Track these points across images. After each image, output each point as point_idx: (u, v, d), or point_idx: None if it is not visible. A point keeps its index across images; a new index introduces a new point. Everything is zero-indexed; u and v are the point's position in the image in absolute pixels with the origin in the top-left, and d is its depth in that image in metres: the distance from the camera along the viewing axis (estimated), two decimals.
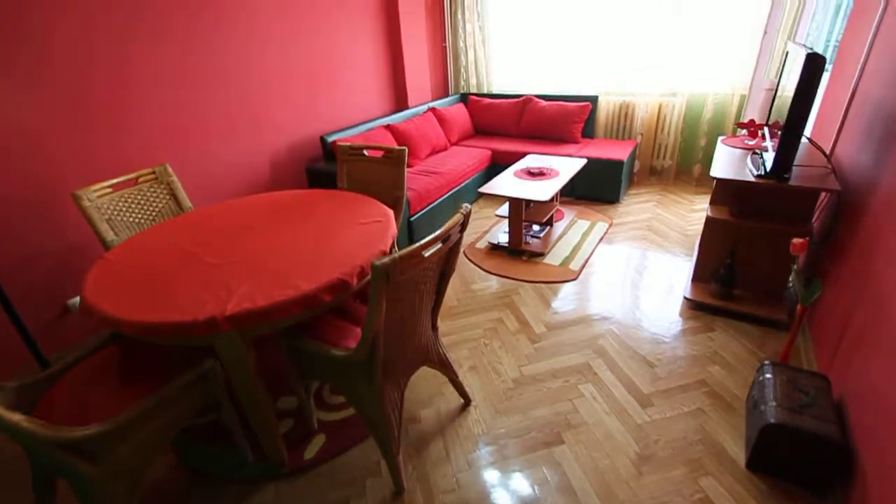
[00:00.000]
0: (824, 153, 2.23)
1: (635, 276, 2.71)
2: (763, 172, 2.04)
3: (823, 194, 2.28)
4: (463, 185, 3.68)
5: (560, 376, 1.98)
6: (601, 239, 3.18)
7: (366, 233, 1.69)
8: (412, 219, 3.09)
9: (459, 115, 4.40)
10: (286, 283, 1.38)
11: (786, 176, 1.97)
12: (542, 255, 2.99)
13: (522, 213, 2.95)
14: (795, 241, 1.80)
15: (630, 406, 1.81)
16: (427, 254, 1.26)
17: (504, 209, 3.20)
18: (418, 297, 1.44)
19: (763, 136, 2.46)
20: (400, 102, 4.32)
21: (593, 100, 4.08)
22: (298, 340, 1.52)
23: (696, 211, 3.52)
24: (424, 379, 2.01)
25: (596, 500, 1.47)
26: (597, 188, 3.77)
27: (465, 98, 4.72)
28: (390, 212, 1.87)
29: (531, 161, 3.44)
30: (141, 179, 2.12)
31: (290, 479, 1.61)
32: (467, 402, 1.88)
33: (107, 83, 2.24)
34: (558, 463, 1.60)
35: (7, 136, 1.96)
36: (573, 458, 1.61)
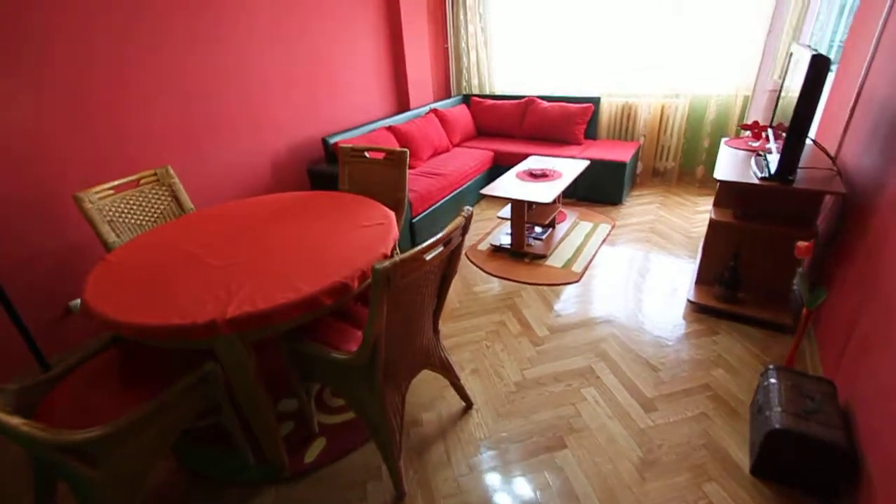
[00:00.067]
0: (829, 155, 2.21)
1: (638, 278, 2.69)
2: (767, 175, 2.02)
3: (828, 196, 2.26)
4: (465, 186, 3.67)
5: (562, 380, 1.97)
6: (604, 241, 3.16)
7: (367, 235, 1.68)
8: (414, 220, 3.08)
9: (461, 116, 4.39)
10: (287, 286, 1.37)
11: (790, 178, 1.95)
12: (544, 257, 2.98)
13: (525, 214, 2.94)
14: (800, 244, 1.78)
15: (633, 410, 1.79)
16: (428, 257, 1.25)
17: (506, 211, 3.19)
18: (419, 301, 1.43)
19: (767, 138, 2.45)
20: (402, 104, 4.31)
21: (596, 101, 4.07)
22: (299, 343, 1.51)
23: (699, 213, 3.50)
24: (426, 382, 2.00)
25: None
26: (599, 190, 3.75)
27: (467, 99, 4.71)
28: (392, 214, 1.86)
29: (533, 162, 3.42)
30: (142, 181, 2.12)
31: (290, 483, 1.60)
32: (469, 405, 1.87)
33: (107, 84, 2.24)
34: (560, 468, 1.59)
35: (9, 137, 1.96)
36: (575, 463, 1.60)
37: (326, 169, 3.14)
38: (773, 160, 2.04)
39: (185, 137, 2.62)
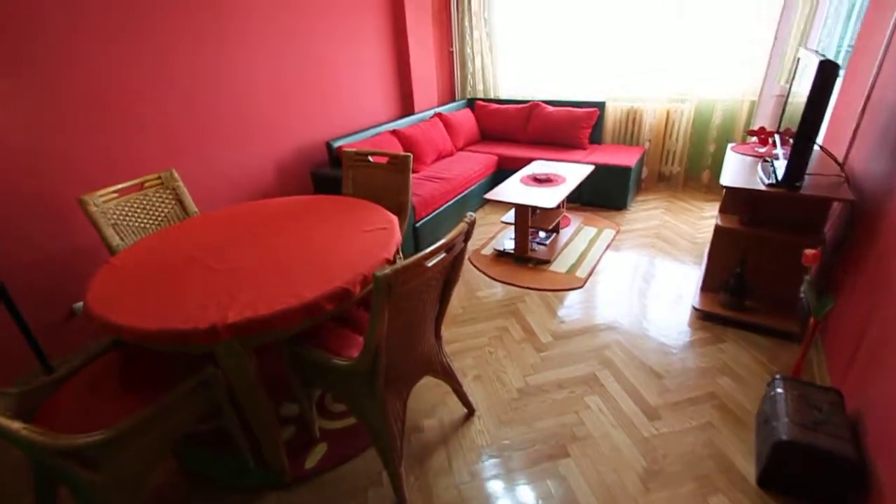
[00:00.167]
0: (837, 161, 2.19)
1: (643, 284, 2.67)
2: (774, 181, 2.00)
3: (836, 203, 2.23)
4: (469, 190, 3.66)
5: (566, 387, 1.95)
6: (608, 246, 3.14)
7: (369, 240, 1.67)
8: (417, 225, 3.07)
9: (466, 120, 4.39)
10: (288, 291, 1.37)
11: (798, 185, 1.93)
12: (548, 262, 2.96)
13: (528, 219, 2.93)
14: (808, 251, 1.76)
15: (637, 419, 1.77)
16: (430, 264, 1.24)
17: (510, 216, 3.18)
18: (421, 307, 1.42)
19: (774, 144, 2.43)
20: (406, 108, 4.32)
21: (601, 106, 4.06)
22: (300, 348, 1.51)
23: (705, 218, 3.47)
24: (428, 388, 1.99)
25: None
26: (604, 194, 3.73)
27: (471, 103, 4.71)
28: (395, 219, 1.86)
29: (537, 167, 3.41)
30: (147, 184, 2.13)
31: (291, 489, 1.59)
32: (471, 411, 1.85)
33: (115, 88, 2.26)
34: (563, 476, 1.57)
35: (17, 139, 1.98)
36: (579, 472, 1.58)
37: (330, 172, 3.14)
38: (780, 166, 2.02)
39: (189, 140, 2.63)
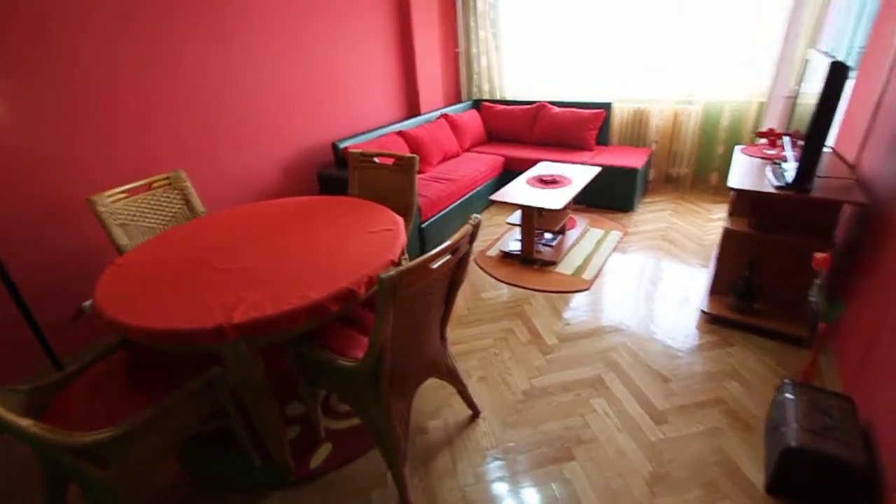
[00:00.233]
0: (848, 164, 2.16)
1: (650, 287, 2.65)
2: (784, 183, 1.98)
3: (847, 206, 2.20)
4: (475, 191, 3.66)
5: (571, 390, 1.94)
6: (615, 248, 3.12)
7: (375, 241, 1.67)
8: (423, 225, 3.07)
9: (472, 121, 4.38)
10: (294, 292, 1.37)
11: (808, 188, 1.90)
12: (554, 263, 2.95)
13: (534, 221, 2.92)
14: (818, 255, 1.73)
15: (643, 422, 1.75)
16: (435, 266, 1.24)
17: (516, 217, 3.17)
18: (426, 308, 1.42)
19: (783, 146, 2.40)
20: (412, 108, 4.32)
21: (607, 107, 4.04)
22: (305, 349, 1.51)
23: (713, 220, 3.44)
24: (432, 389, 1.99)
25: None
26: (611, 196, 3.71)
27: (477, 104, 4.71)
28: (400, 220, 1.86)
29: (543, 168, 3.40)
30: (155, 185, 2.15)
31: (295, 488, 1.60)
32: (476, 413, 1.85)
33: (123, 91, 2.28)
34: (568, 480, 1.56)
35: (32, 140, 2.01)
36: (584, 476, 1.57)
37: (336, 173, 3.15)
38: (790, 169, 2.00)
39: (197, 141, 2.65)
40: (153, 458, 1.35)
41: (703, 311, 2.34)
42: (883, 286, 1.61)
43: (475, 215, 1.40)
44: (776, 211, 2.13)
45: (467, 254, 1.45)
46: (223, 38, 2.67)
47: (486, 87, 4.75)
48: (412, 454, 1.70)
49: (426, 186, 3.26)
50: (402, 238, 1.71)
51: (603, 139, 4.12)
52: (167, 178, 2.19)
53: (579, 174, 3.22)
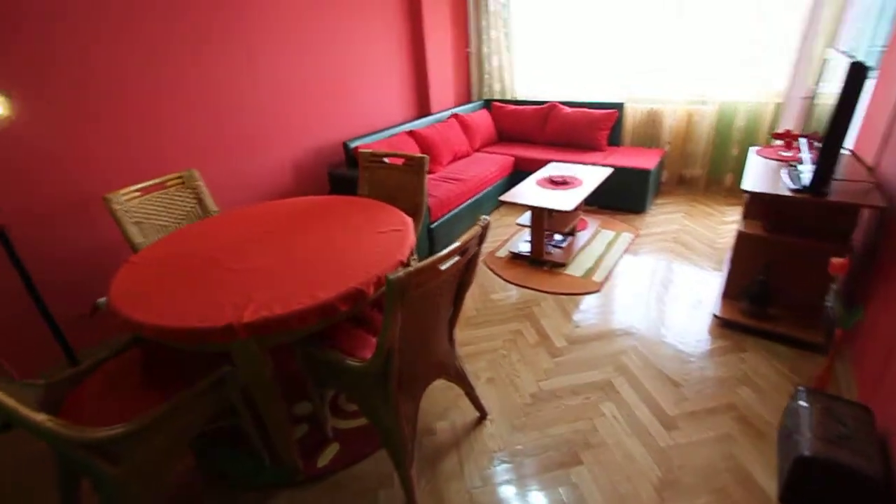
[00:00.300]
0: (867, 166, 2.11)
1: (661, 290, 2.62)
2: (800, 186, 1.94)
3: (865, 210, 2.15)
4: (485, 192, 3.65)
5: (580, 393, 1.92)
6: (626, 250, 3.09)
7: (384, 242, 1.68)
8: (433, 226, 3.07)
9: (482, 121, 4.37)
10: (303, 292, 1.38)
11: (825, 191, 1.86)
12: (563, 265, 2.93)
13: (544, 222, 2.90)
14: (835, 260, 1.70)
15: (653, 428, 1.73)
16: (443, 267, 1.23)
17: (526, 218, 3.15)
18: (435, 310, 1.41)
19: (799, 148, 2.35)
20: (423, 108, 4.33)
21: (619, 107, 4.00)
22: (314, 349, 1.52)
23: (726, 223, 3.39)
24: (440, 390, 1.99)
25: None
26: (622, 197, 3.68)
27: (488, 104, 4.69)
28: (409, 220, 1.86)
29: (554, 169, 3.38)
30: (169, 183, 2.18)
31: (303, 487, 1.61)
32: (483, 415, 1.84)
33: (141, 92, 2.31)
34: (576, 484, 1.55)
35: (51, 140, 2.05)
36: (591, 480, 1.55)
37: (347, 173, 3.16)
38: (806, 171, 1.96)
39: (211, 141, 2.68)
40: (164, 456, 1.36)
41: (715, 316, 2.31)
42: None
43: (484, 217, 1.39)
44: (791, 214, 2.09)
45: (476, 255, 1.44)
46: (237, 39, 2.69)
47: (497, 87, 4.74)
48: (419, 455, 1.70)
49: (436, 186, 3.26)
50: (412, 238, 1.71)
51: (615, 140, 4.08)
52: (180, 178, 2.22)
53: (590, 175, 3.19)
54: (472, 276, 1.50)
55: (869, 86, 2.42)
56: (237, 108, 2.78)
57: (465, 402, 1.88)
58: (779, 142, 2.65)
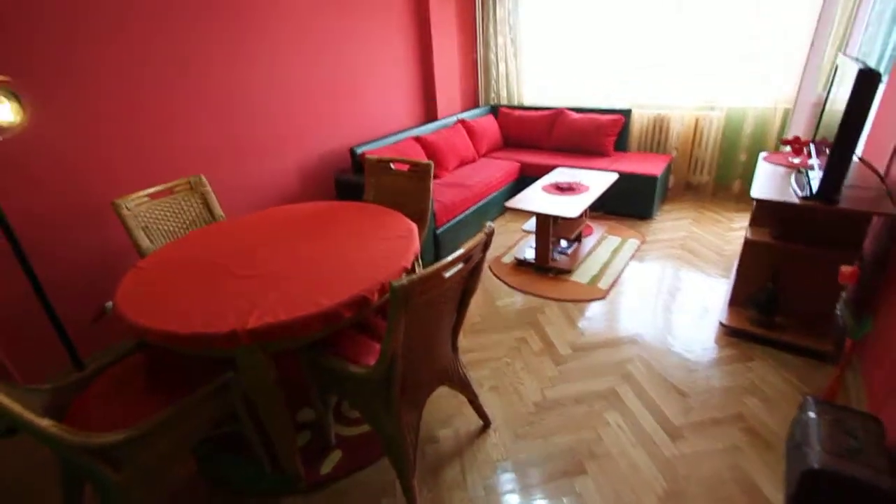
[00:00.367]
0: (878, 174, 2.08)
1: (668, 297, 2.60)
2: (809, 194, 1.92)
3: (876, 218, 2.12)
4: (490, 197, 3.64)
5: (584, 402, 1.91)
6: (632, 257, 3.07)
7: (388, 248, 1.68)
8: (438, 231, 3.07)
9: (489, 126, 4.38)
10: (308, 298, 1.38)
11: (834, 198, 1.84)
12: (569, 272, 2.92)
13: (550, 228, 2.89)
14: (844, 269, 1.68)
15: (658, 438, 1.71)
16: (448, 275, 1.23)
17: (531, 224, 3.15)
18: (438, 317, 1.41)
19: (809, 154, 2.33)
20: (430, 114, 4.34)
21: (626, 113, 3.98)
22: (318, 355, 1.52)
23: (734, 230, 3.36)
24: (444, 398, 1.98)
25: None
26: (629, 203, 3.66)
27: (495, 110, 4.70)
28: (414, 227, 1.86)
29: (560, 175, 3.37)
30: (176, 189, 2.20)
31: (305, 495, 1.61)
32: (487, 424, 1.83)
33: (154, 98, 2.34)
34: (580, 494, 1.53)
35: (64, 146, 2.08)
36: (595, 491, 1.54)
37: (353, 178, 3.17)
38: (816, 178, 1.93)
39: (221, 145, 2.70)
40: (166, 462, 1.37)
41: (722, 324, 2.28)
42: None
43: (489, 223, 1.39)
44: (800, 222, 2.07)
45: (480, 262, 1.44)
46: (249, 44, 2.72)
47: (503, 93, 4.74)
48: (422, 464, 1.69)
49: (442, 192, 3.27)
50: (416, 245, 1.71)
51: (622, 145, 4.07)
52: (188, 183, 2.24)
53: (597, 181, 3.18)
54: (477, 283, 1.50)
55: (881, 91, 2.39)
56: (248, 114, 2.81)
57: (469, 410, 1.87)
58: (788, 148, 2.63)
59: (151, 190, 2.10)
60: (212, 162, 2.68)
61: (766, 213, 2.19)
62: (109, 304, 2.35)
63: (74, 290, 2.23)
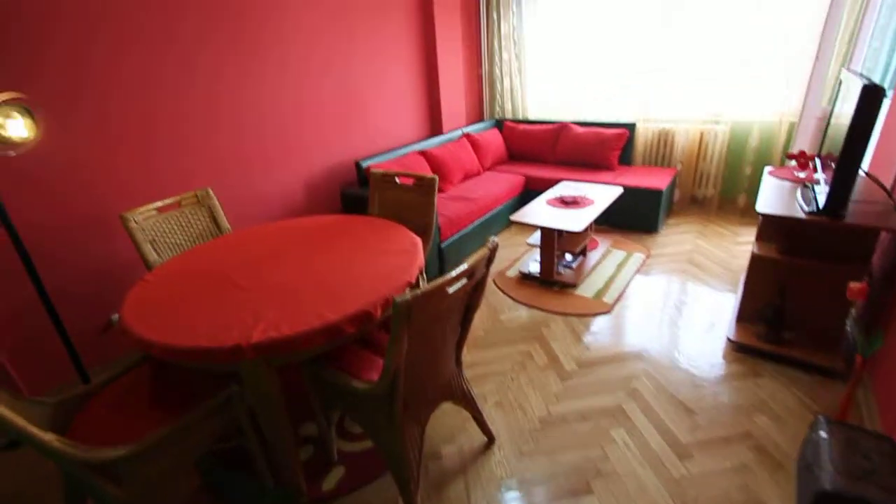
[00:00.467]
0: (885, 188, 2.07)
1: (674, 312, 2.57)
2: (815, 209, 1.91)
3: (884, 233, 2.10)
4: (495, 211, 3.65)
5: (590, 418, 1.88)
6: (638, 270, 3.06)
7: (393, 262, 1.68)
8: (443, 245, 3.08)
9: (493, 140, 4.41)
10: (311, 312, 1.38)
11: (841, 214, 1.83)
12: (574, 286, 2.90)
13: (555, 242, 2.88)
14: (853, 285, 1.66)
15: (666, 456, 1.68)
16: (451, 290, 1.23)
17: (536, 237, 3.14)
18: (442, 332, 1.41)
19: (814, 168, 2.32)
20: (435, 128, 4.38)
21: (631, 127, 4.00)
22: (321, 369, 1.52)
23: (740, 244, 3.33)
24: (447, 414, 1.96)
25: None
26: (634, 217, 3.65)
27: (499, 124, 4.74)
28: (419, 241, 1.86)
29: (564, 188, 3.37)
30: (184, 202, 2.22)
31: None
32: (491, 440, 1.81)
33: (167, 115, 2.39)
34: None
35: (76, 160, 2.12)
36: None
37: (359, 192, 3.20)
38: (822, 193, 1.92)
39: (230, 159, 2.73)
40: (169, 477, 1.36)
41: (729, 340, 2.25)
42: None
43: (493, 238, 1.39)
44: (807, 237, 2.05)
45: (484, 277, 1.44)
46: (259, 60, 2.77)
47: (508, 107, 4.78)
48: (425, 481, 1.67)
49: (446, 205, 3.28)
50: (420, 260, 1.71)
51: (626, 159, 4.08)
52: (195, 196, 2.26)
53: (601, 194, 3.18)
54: (480, 298, 1.49)
55: (886, 104, 2.39)
56: (257, 127, 2.85)
57: (473, 427, 1.86)
58: (793, 162, 2.62)
59: (159, 203, 2.12)
60: (220, 174, 2.72)
61: (773, 228, 2.18)
62: (116, 315, 2.37)
63: (82, 303, 2.25)
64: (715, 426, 1.80)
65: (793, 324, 2.13)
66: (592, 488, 1.58)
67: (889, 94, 2.31)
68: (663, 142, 4.01)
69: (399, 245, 1.83)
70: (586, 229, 3.25)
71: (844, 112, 1.84)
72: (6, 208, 1.79)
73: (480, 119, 4.98)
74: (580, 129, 4.14)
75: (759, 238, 2.23)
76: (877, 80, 2.54)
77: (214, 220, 2.32)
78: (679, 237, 3.52)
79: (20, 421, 1.09)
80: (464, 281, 1.28)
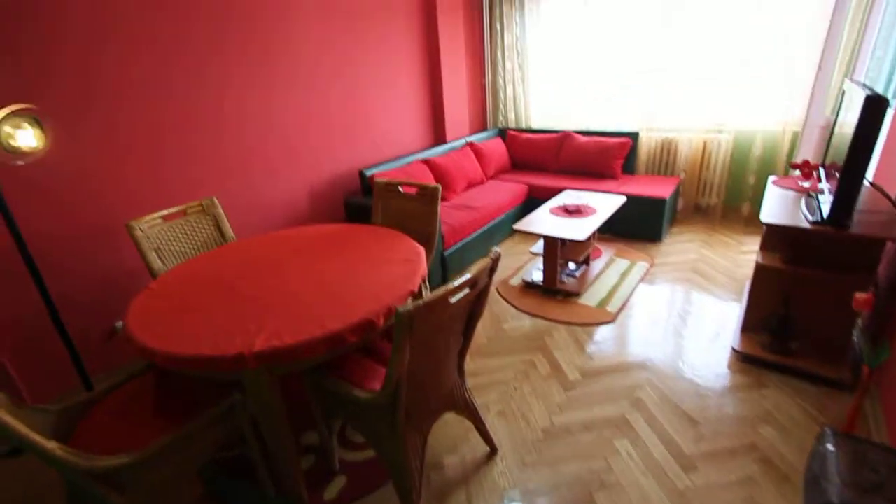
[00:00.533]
0: (890, 198, 2.06)
1: (678, 321, 2.56)
2: (820, 219, 1.90)
3: (890, 244, 2.09)
4: (498, 219, 3.66)
5: (593, 429, 1.87)
6: (641, 280, 3.05)
7: (395, 272, 1.69)
8: (446, 253, 3.08)
9: (497, 149, 4.43)
10: (314, 321, 1.39)
11: (846, 223, 1.82)
12: (577, 294, 2.90)
13: (558, 251, 2.88)
14: (859, 295, 1.64)
15: (670, 468, 1.67)
16: (453, 300, 1.23)
17: (539, 246, 3.15)
18: (444, 342, 1.41)
19: (819, 178, 2.32)
20: (438, 137, 4.41)
21: (634, 136, 4.01)
22: (323, 378, 1.52)
23: (745, 253, 3.32)
24: (449, 424, 1.95)
25: None
26: (637, 226, 3.64)
27: (503, 133, 4.76)
28: (422, 250, 1.87)
29: (568, 197, 3.38)
30: (189, 211, 2.24)
31: None
32: (493, 450, 1.80)
33: (175, 124, 2.42)
34: None
35: (85, 169, 2.15)
36: None
37: (363, 201, 3.21)
38: (826, 203, 1.92)
39: (236, 168, 2.76)
40: (171, 485, 1.36)
41: (734, 350, 2.24)
42: None
43: (495, 248, 1.39)
44: (812, 246, 2.04)
45: (487, 287, 1.44)
46: (268, 68, 2.81)
47: (511, 116, 4.81)
48: (427, 491, 1.66)
49: (450, 214, 3.29)
50: (423, 269, 1.72)
51: (630, 168, 4.08)
52: (200, 205, 2.29)
53: (605, 203, 3.18)
54: (483, 307, 1.49)
55: (890, 114, 2.38)
56: (263, 137, 2.88)
57: (475, 437, 1.84)
58: (797, 172, 2.62)
59: (165, 212, 2.14)
60: (226, 183, 2.74)
61: (777, 238, 2.17)
62: (120, 323, 2.38)
63: (87, 310, 2.26)
64: (720, 437, 1.78)
65: (798, 334, 2.11)
66: (596, 500, 1.57)
67: (893, 103, 2.31)
68: (667, 151, 4.01)
69: (402, 254, 1.84)
70: (589, 238, 3.25)
71: (848, 121, 1.84)
72: (14, 217, 1.81)
73: (484, 128, 5.01)
74: (583, 138, 4.15)
75: (763, 247, 2.23)
76: (880, 89, 2.54)
77: (219, 228, 2.34)
78: (683, 246, 3.51)
79: (23, 428, 1.10)
80: (466, 291, 1.28)
